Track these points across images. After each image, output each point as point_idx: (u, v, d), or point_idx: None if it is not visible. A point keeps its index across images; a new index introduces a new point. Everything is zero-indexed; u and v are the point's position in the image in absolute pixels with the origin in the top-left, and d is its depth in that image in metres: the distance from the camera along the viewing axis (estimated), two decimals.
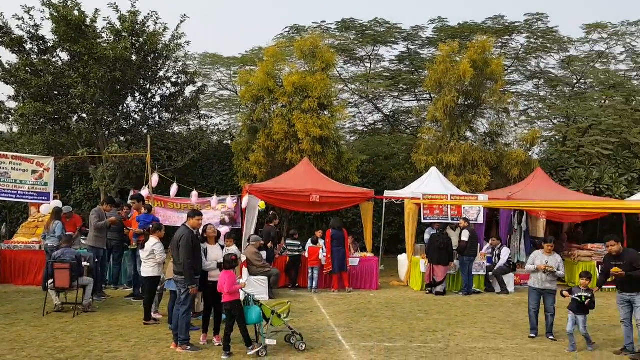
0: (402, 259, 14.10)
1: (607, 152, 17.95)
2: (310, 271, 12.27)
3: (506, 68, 20.49)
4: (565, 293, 8.01)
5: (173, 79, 17.27)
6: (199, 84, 18.56)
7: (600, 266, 10.89)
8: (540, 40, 20.92)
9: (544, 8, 46.33)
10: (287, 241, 12.78)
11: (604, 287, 12.12)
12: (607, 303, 11.31)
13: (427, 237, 13.73)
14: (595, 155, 18.05)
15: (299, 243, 12.57)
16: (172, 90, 17.36)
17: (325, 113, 15.97)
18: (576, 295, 7.83)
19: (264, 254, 11.64)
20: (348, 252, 12.50)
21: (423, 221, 13.53)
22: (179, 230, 7.60)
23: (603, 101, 20.83)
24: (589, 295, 7.80)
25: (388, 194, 15.68)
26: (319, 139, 15.18)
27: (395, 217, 17.78)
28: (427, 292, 12.49)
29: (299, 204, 13.26)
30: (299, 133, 15.09)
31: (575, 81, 22.32)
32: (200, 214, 7.78)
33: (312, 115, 15.26)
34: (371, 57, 22.09)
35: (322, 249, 12.31)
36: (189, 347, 7.47)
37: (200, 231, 7.90)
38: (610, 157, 18.05)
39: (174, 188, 13.30)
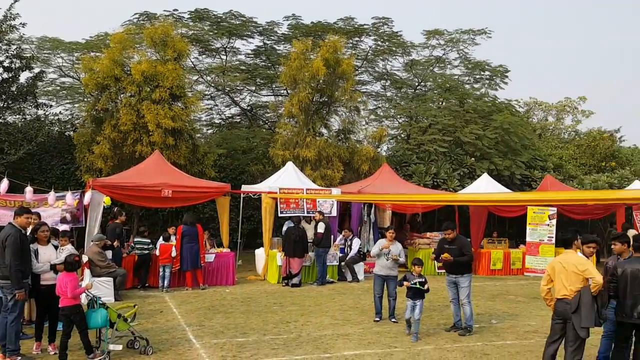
0: (260, 253, 14.18)
1: (443, 150, 19.75)
2: (161, 270, 11.75)
3: (356, 68, 21.54)
4: (405, 283, 8.36)
5: (6, 64, 15.45)
6: (37, 70, 16.84)
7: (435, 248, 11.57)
8: (387, 43, 22.30)
9: (389, 13, 49.69)
10: (136, 239, 12.12)
11: (438, 271, 13.45)
12: (442, 285, 12.47)
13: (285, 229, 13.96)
14: (433, 152, 19.77)
15: (148, 241, 11.97)
16: (5, 75, 15.52)
17: (178, 104, 15.46)
18: (413, 282, 8.31)
19: (109, 253, 10.92)
20: (203, 249, 12.20)
21: (279, 215, 13.71)
22: (4, 229, 6.82)
23: (440, 103, 22.89)
24: (423, 280, 8.43)
25: (245, 188, 15.65)
26: (172, 131, 14.66)
27: (254, 212, 17.79)
28: (284, 284, 12.70)
29: (150, 200, 12.64)
30: (149, 124, 14.42)
31: (417, 83, 24.20)
32: (29, 211, 7.06)
33: (164, 106, 14.69)
34: (227, 49, 21.81)
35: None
36: (19, 358, 6.75)
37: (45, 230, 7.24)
38: (446, 154, 19.88)
39: (4, 184, 11.88)
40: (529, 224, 15.71)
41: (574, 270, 6.15)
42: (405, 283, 8.35)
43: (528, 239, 15.75)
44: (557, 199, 10.98)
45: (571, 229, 7.01)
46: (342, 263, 13.66)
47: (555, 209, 15.60)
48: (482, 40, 23.15)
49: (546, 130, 30.72)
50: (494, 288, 13.32)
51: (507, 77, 23.47)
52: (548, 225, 15.54)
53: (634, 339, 6.29)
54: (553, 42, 68.36)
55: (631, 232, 11.40)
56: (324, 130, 18.68)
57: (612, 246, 7.07)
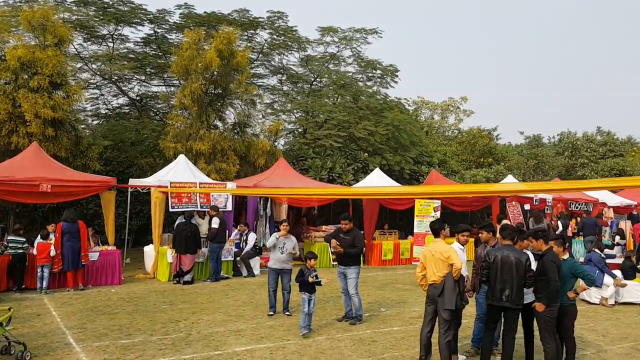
0: (149, 250, 13.61)
1: (338, 145, 20.27)
2: (39, 270, 10.87)
3: (252, 61, 21.37)
4: (310, 279, 8.21)
5: None
6: None
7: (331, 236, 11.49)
8: (282, 37, 22.36)
9: (284, 7, 49.79)
10: (10, 237, 11.09)
11: (333, 263, 13.76)
12: (336, 277, 12.81)
13: None
14: (329, 147, 20.21)
15: (23, 239, 11.01)
16: None
17: (59, 93, 14.43)
18: (309, 276, 8.25)
19: None
20: (85, 247, 11.45)
21: (171, 210, 13.25)
22: None
23: (335, 99, 23.41)
24: (317, 273, 8.44)
25: (133, 182, 14.92)
26: (52, 122, 13.69)
27: (144, 207, 17.06)
28: (175, 282, 12.30)
29: (26, 195, 11.60)
30: (27, 114, 13.38)
31: (312, 79, 24.54)
32: None
33: (43, 95, 13.66)
34: (114, 36, 20.62)
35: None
36: None
37: None
38: (341, 149, 20.42)
39: None
40: (417, 216, 16.60)
41: (440, 257, 6.68)
42: (310, 279, 8.20)
43: (415, 230, 16.63)
44: (441, 192, 11.70)
45: (439, 219, 7.53)
46: (238, 258, 13.53)
47: (439, 201, 16.61)
48: (373, 40, 24.07)
49: (432, 128, 32.65)
50: (384, 277, 13.92)
51: (397, 76, 24.56)
52: (433, 217, 16.49)
53: (502, 320, 6.87)
54: (438, 44, 72.70)
55: (505, 222, 12.47)
56: (218, 123, 18.35)
57: (479, 235, 7.70)
